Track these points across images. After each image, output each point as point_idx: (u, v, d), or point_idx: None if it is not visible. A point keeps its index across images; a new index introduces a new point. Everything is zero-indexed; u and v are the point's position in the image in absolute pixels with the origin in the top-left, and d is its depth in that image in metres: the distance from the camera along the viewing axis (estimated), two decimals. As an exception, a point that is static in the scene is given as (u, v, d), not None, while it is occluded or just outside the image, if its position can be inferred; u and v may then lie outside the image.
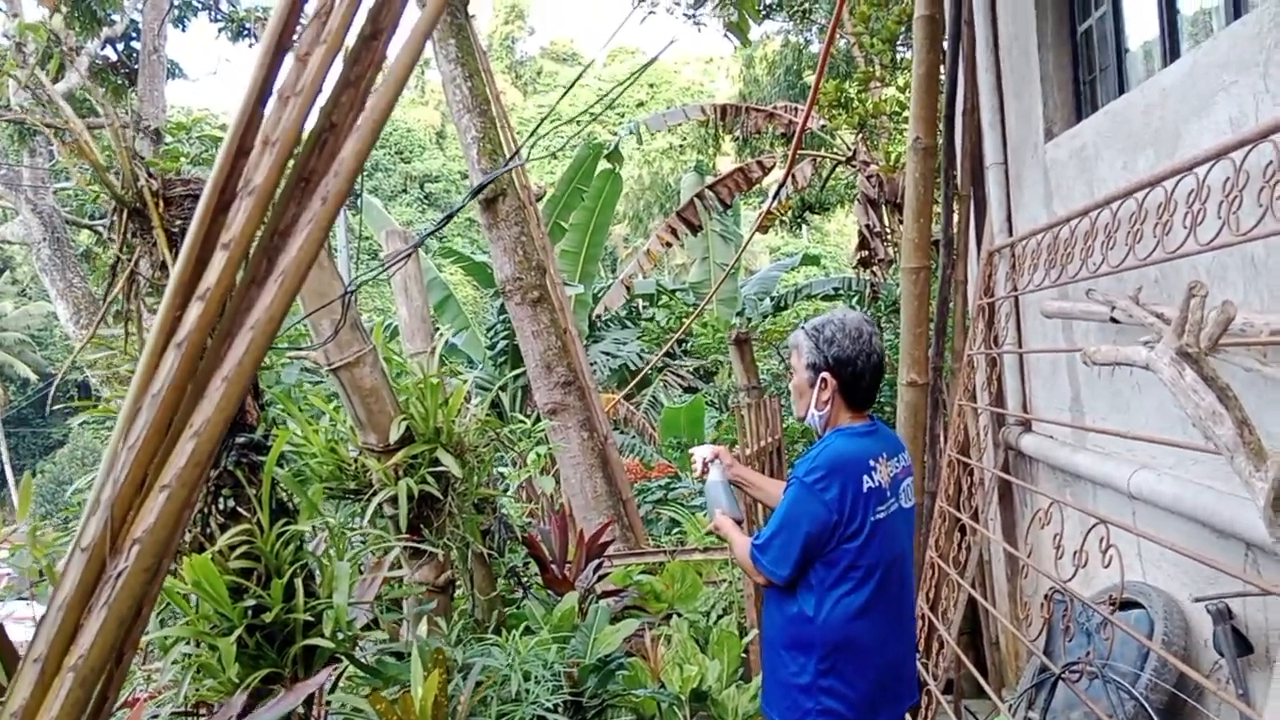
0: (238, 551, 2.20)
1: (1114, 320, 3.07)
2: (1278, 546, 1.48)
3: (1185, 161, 2.59)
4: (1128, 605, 3.24)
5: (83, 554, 1.05)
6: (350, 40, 1.15)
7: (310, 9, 1.18)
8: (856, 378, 2.69)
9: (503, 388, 12.52)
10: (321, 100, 1.14)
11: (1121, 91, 3.63)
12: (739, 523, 2.96)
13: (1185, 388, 1.69)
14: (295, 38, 1.16)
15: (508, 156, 6.52)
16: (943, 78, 4.99)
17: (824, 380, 2.70)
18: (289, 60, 1.16)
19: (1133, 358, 1.93)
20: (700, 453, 3.11)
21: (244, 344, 1.04)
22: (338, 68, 1.16)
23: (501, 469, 8.56)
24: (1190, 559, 2.49)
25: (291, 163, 1.11)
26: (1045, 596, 3.77)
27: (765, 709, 2.85)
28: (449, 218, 2.79)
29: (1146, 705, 2.91)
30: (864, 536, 2.59)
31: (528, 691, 2.48)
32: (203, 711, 2.21)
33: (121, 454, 1.04)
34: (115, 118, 2.20)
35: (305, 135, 1.12)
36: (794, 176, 10.59)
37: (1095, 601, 3.12)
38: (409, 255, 2.85)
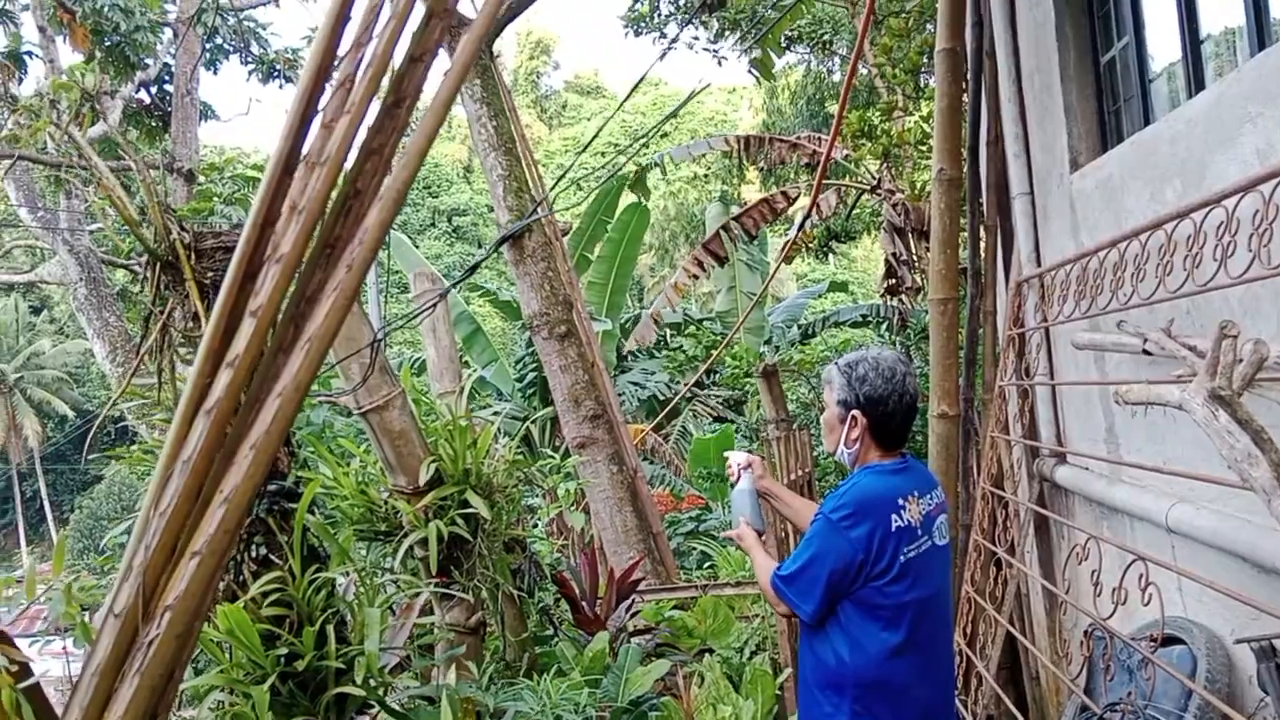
0: (270, 599, 2.21)
1: (1146, 353, 3.04)
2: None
3: (1214, 194, 2.56)
4: (1170, 640, 3.17)
5: (115, 620, 1.06)
6: (374, 108, 1.17)
7: (336, 77, 1.21)
8: (888, 417, 2.68)
9: (532, 420, 12.57)
10: (347, 167, 1.16)
11: (1146, 122, 3.61)
12: (760, 535, 2.97)
13: (1219, 429, 1.67)
14: (321, 106, 1.19)
15: (533, 193, 6.58)
16: (966, 109, 4.98)
17: (854, 418, 2.69)
18: (315, 127, 1.18)
19: (1165, 398, 1.91)
20: (735, 458, 3.12)
21: (272, 411, 1.05)
22: (363, 135, 1.18)
23: (533, 502, 8.57)
24: (1231, 596, 2.44)
25: (318, 230, 1.13)
26: (1085, 633, 3.70)
27: None
28: (474, 268, 2.82)
29: (1191, 747, 2.84)
30: (893, 575, 2.56)
31: (559, 737, 2.47)
32: (236, 760, 2.21)
33: (153, 520, 1.06)
34: (146, 172, 2.25)
35: (330, 203, 1.15)
36: (819, 206, 10.60)
37: (1136, 638, 3.06)
38: (435, 305, 2.88)
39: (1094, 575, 2.95)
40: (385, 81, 1.14)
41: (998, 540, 4.17)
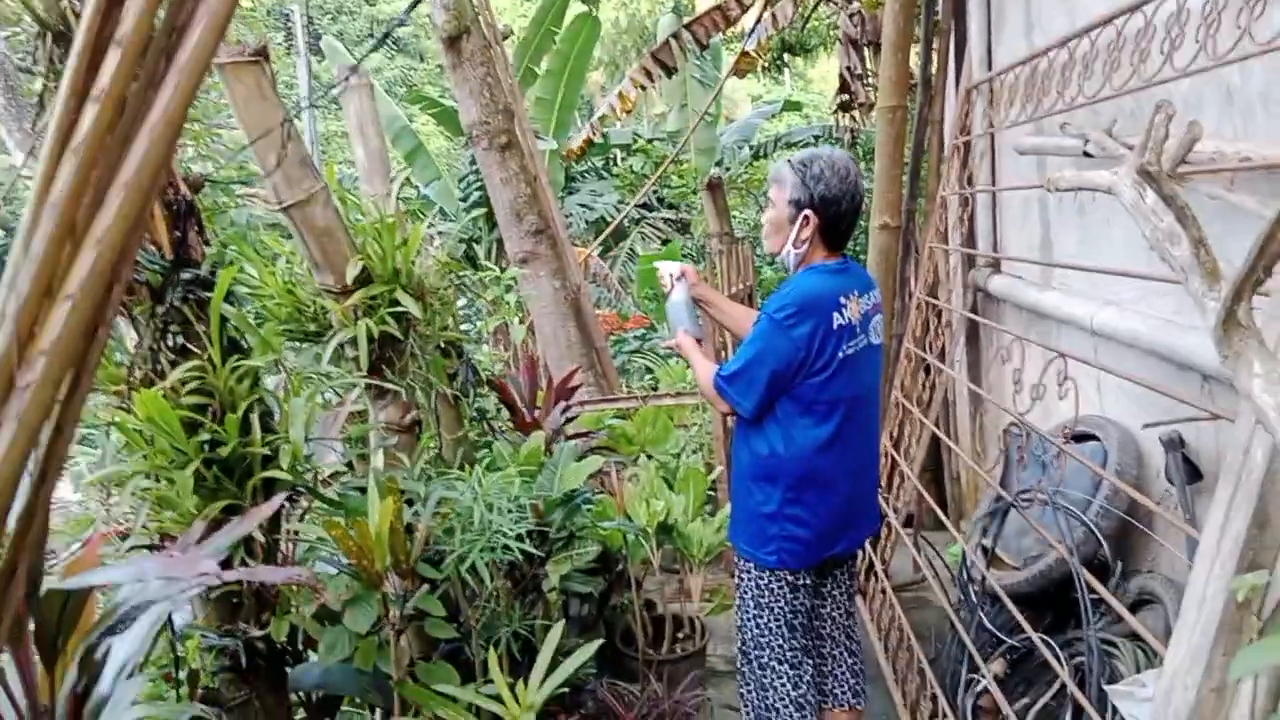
0: (189, 387, 2.18)
1: (1087, 154, 3.00)
2: (1227, 369, 1.48)
3: (1167, -18, 2.48)
4: (1084, 438, 3.30)
5: (-9, 369, 1.02)
6: None
7: None
8: (839, 218, 2.67)
9: (477, 240, 12.37)
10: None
11: (1108, -91, 3.44)
12: (699, 342, 2.99)
13: (1146, 210, 1.66)
14: None
15: (471, -8, 6.19)
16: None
17: (806, 218, 2.67)
18: None
19: (1095, 181, 1.89)
20: (667, 268, 3.09)
21: (143, 148, 0.98)
22: None
23: (476, 321, 8.53)
24: (1147, 389, 2.52)
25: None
26: (1003, 430, 3.84)
27: (732, 537, 2.94)
28: (386, 35, 2.65)
29: (1096, 530, 3.00)
30: (831, 371, 2.62)
31: (490, 523, 2.53)
32: (165, 543, 2.24)
33: (22, 265, 0.99)
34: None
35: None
36: (773, 15, 10.19)
37: (1051, 434, 3.18)
38: (347, 78, 2.72)
39: (1016, 374, 3.02)
40: None
41: (929, 347, 4.25)
